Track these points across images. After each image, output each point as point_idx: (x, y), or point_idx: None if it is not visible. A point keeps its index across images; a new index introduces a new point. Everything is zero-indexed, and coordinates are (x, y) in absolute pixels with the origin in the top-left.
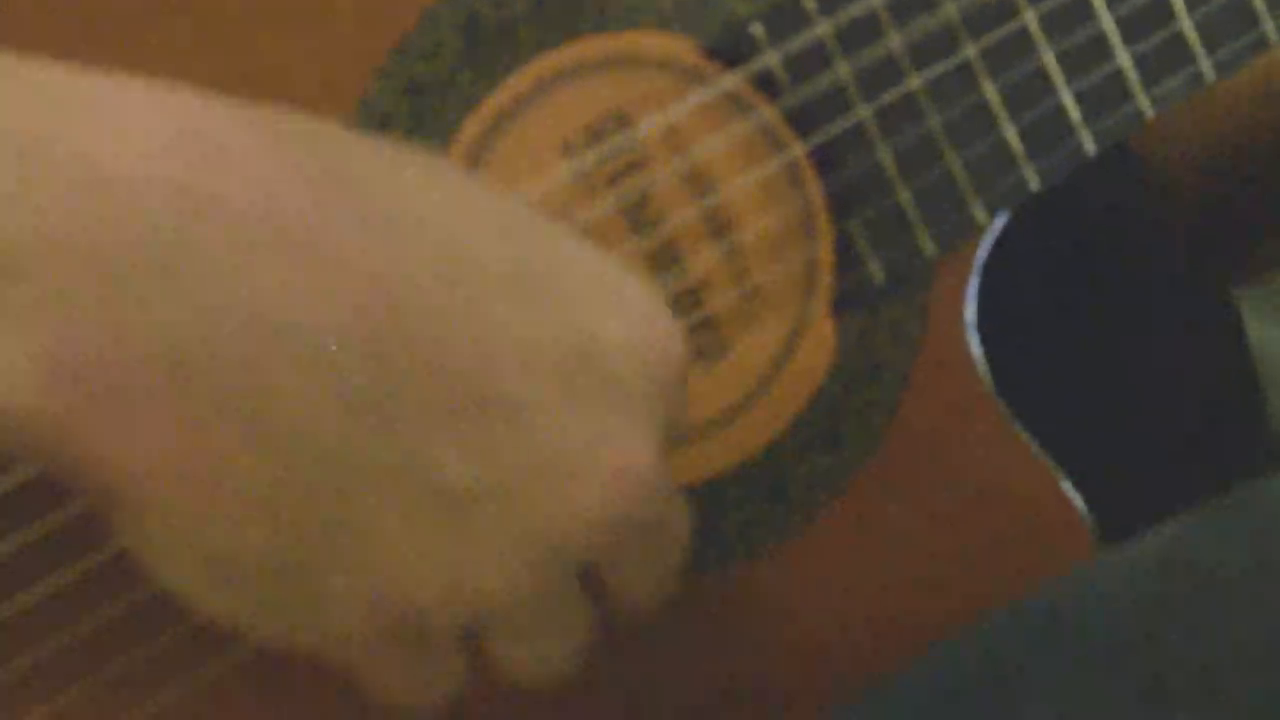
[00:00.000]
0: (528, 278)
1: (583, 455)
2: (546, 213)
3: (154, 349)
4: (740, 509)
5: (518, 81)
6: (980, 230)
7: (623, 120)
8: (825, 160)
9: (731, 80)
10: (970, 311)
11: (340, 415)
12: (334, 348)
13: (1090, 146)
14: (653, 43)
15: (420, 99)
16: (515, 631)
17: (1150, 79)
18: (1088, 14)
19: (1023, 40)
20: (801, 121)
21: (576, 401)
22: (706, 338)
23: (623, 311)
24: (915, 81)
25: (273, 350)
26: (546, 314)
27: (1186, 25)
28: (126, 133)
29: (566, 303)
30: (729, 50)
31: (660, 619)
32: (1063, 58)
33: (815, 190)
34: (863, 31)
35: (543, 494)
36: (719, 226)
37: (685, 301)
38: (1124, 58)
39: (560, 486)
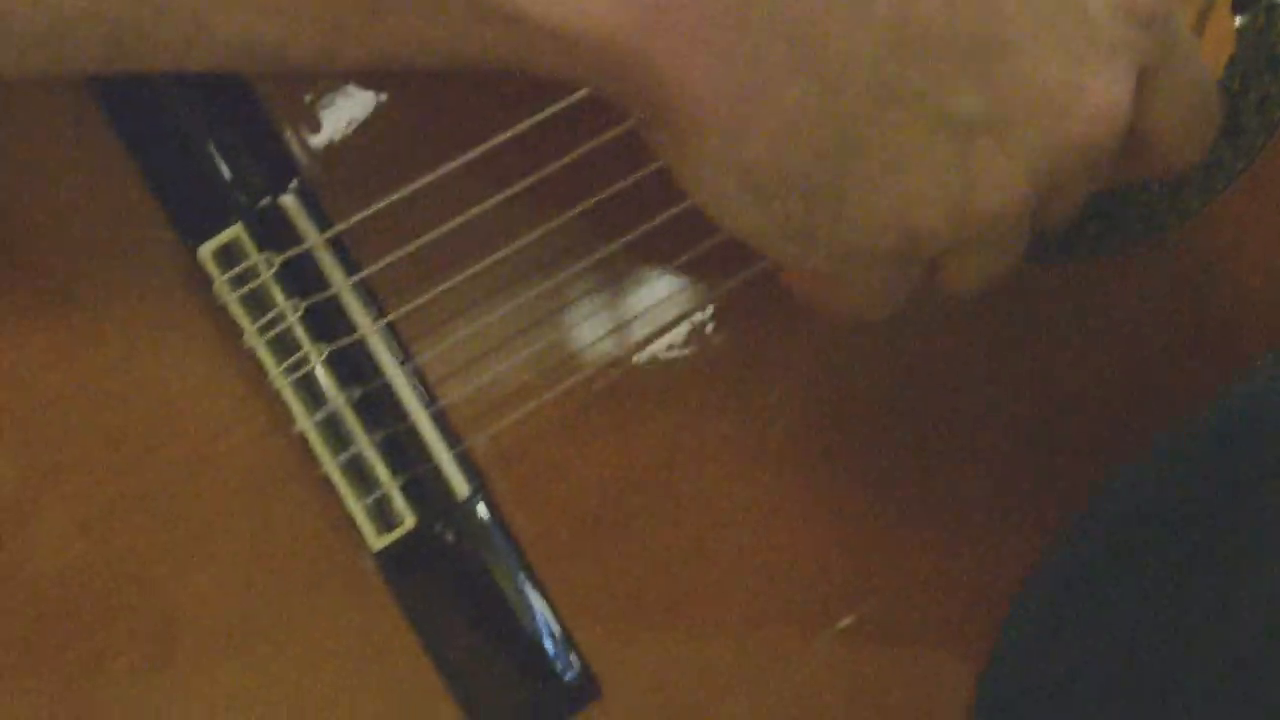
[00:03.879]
0: None
1: (1069, 93)
2: None
3: None
4: (1140, 197)
5: None
6: None
7: None
8: None
9: None
10: None
11: (876, 48)
12: None
13: None
14: None
15: None
16: (978, 251)
17: None
18: None
19: None
20: None
21: (1063, 45)
22: None
23: None
24: None
25: None
26: None
27: None
28: None
29: None
30: None
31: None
32: None
33: None
34: None
35: (1037, 127)
36: None
37: None
38: None
39: (1051, 121)
